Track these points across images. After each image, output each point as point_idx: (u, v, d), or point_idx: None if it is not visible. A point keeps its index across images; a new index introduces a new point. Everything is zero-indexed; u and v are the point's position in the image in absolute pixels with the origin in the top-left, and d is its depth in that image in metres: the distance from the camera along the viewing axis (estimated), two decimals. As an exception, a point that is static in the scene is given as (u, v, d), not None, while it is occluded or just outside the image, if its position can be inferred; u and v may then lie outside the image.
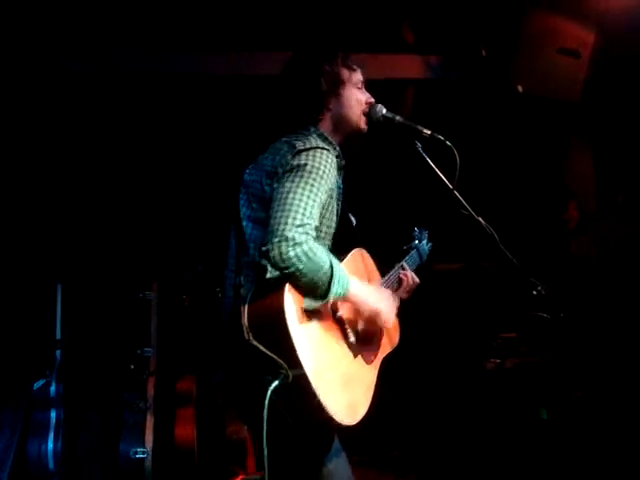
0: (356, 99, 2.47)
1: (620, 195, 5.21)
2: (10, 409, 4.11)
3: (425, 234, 2.99)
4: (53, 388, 4.07)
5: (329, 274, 2.04)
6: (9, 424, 4.06)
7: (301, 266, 1.99)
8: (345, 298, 2.13)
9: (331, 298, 2.06)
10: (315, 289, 2.04)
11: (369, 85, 2.59)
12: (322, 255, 2.04)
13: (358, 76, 2.50)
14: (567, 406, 4.14)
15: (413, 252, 2.86)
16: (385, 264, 2.67)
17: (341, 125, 2.45)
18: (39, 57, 4.72)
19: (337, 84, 2.43)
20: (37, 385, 4.08)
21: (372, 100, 2.52)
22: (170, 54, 4.91)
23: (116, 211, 4.94)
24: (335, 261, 2.10)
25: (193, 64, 4.98)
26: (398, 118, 2.58)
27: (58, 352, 4.17)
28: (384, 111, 2.57)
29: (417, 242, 2.93)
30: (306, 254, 1.99)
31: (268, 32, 4.82)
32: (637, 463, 3.84)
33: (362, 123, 2.50)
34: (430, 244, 3.00)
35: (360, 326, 2.33)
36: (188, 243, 4.80)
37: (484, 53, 4.91)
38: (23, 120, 4.76)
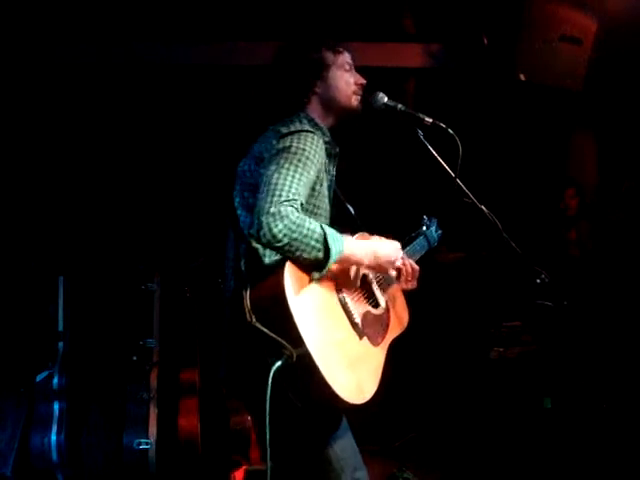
0: (345, 81, 2.47)
1: (625, 182, 5.19)
2: (13, 401, 4.11)
3: (434, 222, 2.99)
4: (56, 380, 4.07)
5: (323, 236, 2.05)
6: (12, 416, 4.06)
7: (294, 235, 2.00)
8: (345, 256, 2.13)
9: (335, 258, 2.07)
10: (315, 256, 2.05)
11: (371, 73, 2.58)
12: (310, 221, 2.05)
13: (345, 58, 2.49)
14: (571, 395, 4.14)
15: (420, 238, 2.86)
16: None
17: (331, 107, 2.45)
18: (37, 51, 4.72)
19: (321, 68, 2.43)
20: (40, 377, 4.08)
21: (363, 81, 2.51)
22: (168, 45, 4.91)
23: (117, 203, 4.94)
24: (324, 224, 2.11)
25: (193, 55, 4.99)
26: (400, 106, 2.58)
27: (61, 344, 4.17)
28: (385, 99, 2.57)
29: (424, 229, 2.92)
30: (294, 223, 2.00)
31: (268, 22, 4.81)
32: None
33: (354, 102, 2.49)
34: (440, 231, 2.99)
35: (365, 308, 2.34)
36: (190, 234, 4.79)
37: (486, 41, 4.89)
38: (23, 114, 4.76)
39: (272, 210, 2.00)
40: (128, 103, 4.97)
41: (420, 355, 4.78)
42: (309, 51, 2.45)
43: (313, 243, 2.04)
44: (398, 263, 2.38)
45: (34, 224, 4.65)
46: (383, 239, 2.39)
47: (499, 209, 2.70)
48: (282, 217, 1.99)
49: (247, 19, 4.83)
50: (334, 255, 2.07)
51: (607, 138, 5.58)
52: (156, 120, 5.00)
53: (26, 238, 4.59)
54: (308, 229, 2.03)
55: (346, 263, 2.20)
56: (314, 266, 2.08)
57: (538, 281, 2.64)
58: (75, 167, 4.89)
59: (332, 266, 2.10)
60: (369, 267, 2.31)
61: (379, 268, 2.33)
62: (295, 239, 2.00)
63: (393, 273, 2.39)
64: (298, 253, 2.03)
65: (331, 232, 2.09)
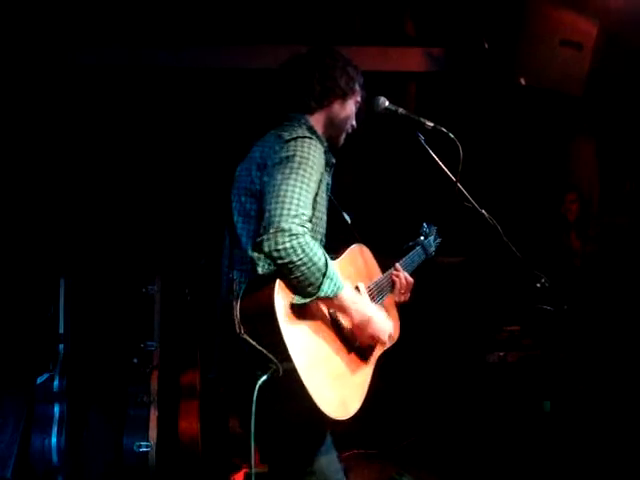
0: (352, 115, 2.50)
1: (627, 183, 5.20)
2: (13, 403, 4.11)
3: (434, 229, 2.98)
4: (56, 382, 4.06)
5: (323, 271, 2.04)
6: (12, 418, 4.06)
7: (295, 258, 1.99)
8: (336, 299, 2.12)
9: (321, 296, 2.06)
10: (306, 285, 2.04)
11: (373, 77, 2.60)
12: (317, 251, 2.04)
13: (360, 98, 2.52)
14: (570, 399, 4.14)
15: (417, 248, 2.85)
16: (389, 260, 2.66)
17: (330, 128, 2.47)
18: (41, 53, 4.73)
19: (350, 91, 2.46)
20: (40, 379, 4.08)
21: (355, 126, 2.53)
22: (169, 49, 4.92)
23: (119, 205, 4.94)
24: (330, 261, 2.09)
25: (194, 58, 4.99)
26: (401, 110, 2.60)
27: (61, 346, 4.17)
28: (387, 103, 2.59)
29: (422, 238, 2.92)
30: (302, 247, 1.99)
31: (270, 25, 4.82)
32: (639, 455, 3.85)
33: (342, 139, 2.53)
34: (439, 240, 2.99)
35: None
36: (191, 237, 4.80)
37: (487, 45, 4.90)
38: (25, 115, 4.76)
39: (283, 225, 1.99)
40: (128, 104, 4.98)
41: (420, 359, 4.78)
42: (350, 69, 2.46)
43: (309, 274, 2.02)
44: (384, 342, 2.32)
45: (35, 225, 4.65)
46: (383, 314, 2.34)
47: (500, 213, 2.71)
48: (292, 235, 1.98)
49: (248, 22, 4.84)
50: (321, 295, 2.06)
51: (608, 142, 5.58)
52: (158, 123, 5.01)
53: (27, 239, 4.59)
54: (312, 259, 2.01)
55: (334, 306, 2.16)
56: (299, 291, 2.06)
57: (538, 285, 2.65)
58: (77, 169, 4.90)
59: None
60: (353, 323, 2.22)
61: (361, 334, 2.24)
62: (295, 262, 1.99)
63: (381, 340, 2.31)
64: (292, 275, 2.02)
65: (332, 273, 2.07)
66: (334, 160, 2.48)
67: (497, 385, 4.29)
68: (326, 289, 2.06)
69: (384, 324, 2.28)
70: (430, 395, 4.81)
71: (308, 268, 2.01)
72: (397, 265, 2.65)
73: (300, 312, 2.08)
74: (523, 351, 4.35)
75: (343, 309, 2.17)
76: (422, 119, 2.58)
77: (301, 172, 2.12)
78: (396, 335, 2.57)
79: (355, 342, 2.28)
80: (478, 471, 4.15)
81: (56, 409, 4.03)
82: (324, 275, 2.04)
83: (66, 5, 4.61)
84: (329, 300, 2.11)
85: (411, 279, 2.62)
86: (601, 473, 3.86)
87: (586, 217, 5.26)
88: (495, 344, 4.42)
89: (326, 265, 2.05)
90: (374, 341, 2.29)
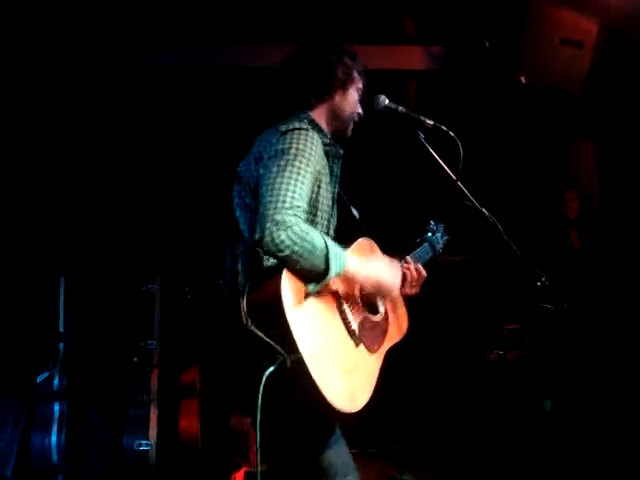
0: (355, 103, 2.48)
1: (627, 184, 5.20)
2: (13, 402, 4.11)
3: (441, 227, 2.96)
4: (56, 381, 4.06)
5: (325, 252, 2.03)
6: (12, 417, 4.06)
7: (296, 248, 1.98)
8: (344, 274, 2.12)
9: (332, 275, 2.05)
10: (314, 269, 2.03)
11: (373, 76, 2.59)
12: (315, 234, 2.03)
13: (361, 85, 2.50)
14: (571, 397, 4.14)
15: (425, 245, 2.84)
16: (398, 256, 2.65)
17: (334, 119, 2.45)
18: (40, 52, 4.73)
19: (349, 80, 2.44)
20: (40, 378, 4.08)
21: (362, 113, 2.52)
22: (171, 48, 4.92)
23: (119, 204, 4.94)
24: (328, 239, 2.09)
25: (196, 57, 4.99)
26: (401, 108, 2.59)
27: (61, 345, 4.17)
28: (387, 102, 2.58)
29: (430, 235, 2.91)
30: (297, 234, 1.98)
31: (270, 24, 4.82)
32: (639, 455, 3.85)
33: (350, 130, 2.52)
34: (446, 237, 2.97)
35: (363, 314, 2.32)
36: (191, 236, 4.80)
37: (487, 44, 4.90)
38: (25, 114, 4.77)
39: (277, 218, 1.98)
40: (130, 104, 4.98)
41: (420, 358, 4.78)
42: (346, 58, 2.45)
43: (314, 258, 2.02)
44: (396, 292, 2.36)
45: (36, 224, 4.65)
46: (387, 261, 2.37)
47: (500, 212, 2.70)
48: (286, 227, 1.97)
49: (249, 21, 4.84)
50: (332, 274, 2.05)
51: (607, 142, 5.58)
52: (160, 122, 5.01)
53: (27, 238, 4.59)
54: (311, 243, 2.00)
55: (344, 277, 2.17)
56: (311, 279, 2.06)
57: (539, 284, 2.64)
58: (77, 167, 4.90)
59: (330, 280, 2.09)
60: (364, 288, 2.27)
61: (377, 292, 2.31)
62: (296, 251, 1.98)
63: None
64: (298, 266, 2.01)
65: (334, 249, 2.07)
66: (342, 151, 2.46)
67: (497, 384, 4.29)
68: (334, 267, 2.05)
69: (390, 277, 2.29)
70: (430, 394, 4.81)
71: (311, 253, 2.01)
72: (407, 258, 2.62)
73: (308, 304, 2.07)
74: (523, 350, 4.35)
75: (353, 280, 2.19)
76: (422, 117, 2.58)
77: (297, 164, 2.11)
78: (405, 329, 2.57)
79: (364, 337, 2.27)
80: (478, 471, 4.15)
81: (56, 408, 4.03)
82: (327, 254, 2.04)
83: (68, 4, 4.61)
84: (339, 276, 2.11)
85: (424, 271, 2.58)
86: (601, 472, 3.86)
87: (586, 215, 5.26)
88: (495, 343, 4.42)
89: (326, 244, 2.05)
90: (390, 294, 2.31)
